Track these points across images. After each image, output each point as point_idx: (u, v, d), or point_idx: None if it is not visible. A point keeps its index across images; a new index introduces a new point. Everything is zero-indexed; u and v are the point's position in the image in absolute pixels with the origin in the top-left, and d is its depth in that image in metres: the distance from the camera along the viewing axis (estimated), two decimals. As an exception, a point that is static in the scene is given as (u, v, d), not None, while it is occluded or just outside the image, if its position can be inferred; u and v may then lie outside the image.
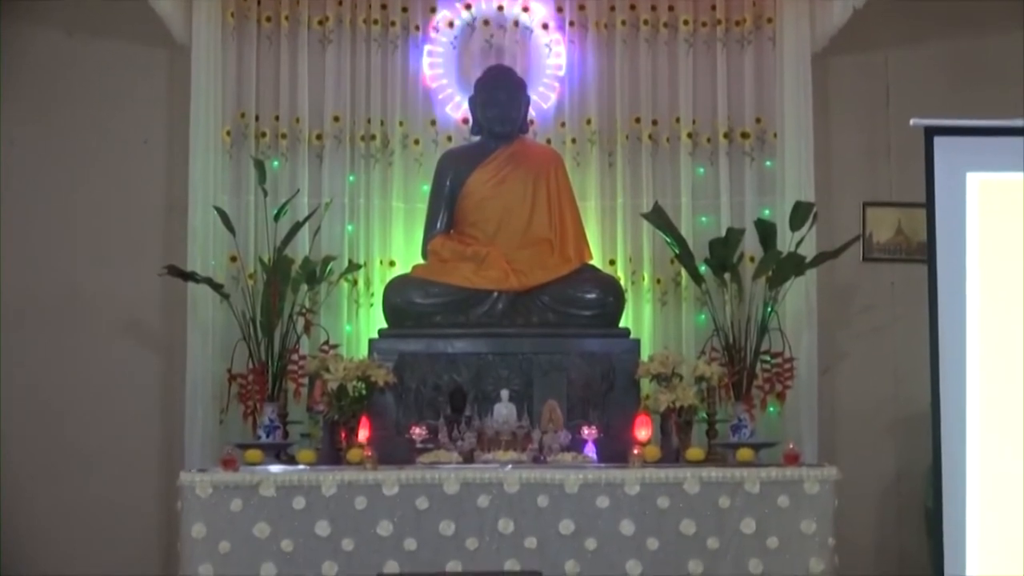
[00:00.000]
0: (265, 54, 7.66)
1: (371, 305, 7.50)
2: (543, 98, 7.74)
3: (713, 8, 7.75)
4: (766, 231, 7.23)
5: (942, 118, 5.32)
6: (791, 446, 6.31)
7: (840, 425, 7.63)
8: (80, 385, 7.46)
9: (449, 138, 7.72)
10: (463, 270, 7.07)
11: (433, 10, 7.78)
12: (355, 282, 7.52)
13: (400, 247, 7.61)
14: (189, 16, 7.42)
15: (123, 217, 7.60)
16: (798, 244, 7.10)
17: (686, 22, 7.72)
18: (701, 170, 7.70)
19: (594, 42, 7.77)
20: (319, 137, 7.60)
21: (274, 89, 7.64)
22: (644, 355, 7.03)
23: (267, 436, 6.80)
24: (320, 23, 7.66)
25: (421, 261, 7.33)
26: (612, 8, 7.76)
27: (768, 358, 7.17)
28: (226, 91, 7.52)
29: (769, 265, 7.09)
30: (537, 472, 6.05)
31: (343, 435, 6.55)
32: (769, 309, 7.15)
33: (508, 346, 6.85)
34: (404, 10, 7.75)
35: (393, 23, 7.72)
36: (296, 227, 7.20)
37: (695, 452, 6.46)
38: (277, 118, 7.60)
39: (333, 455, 6.50)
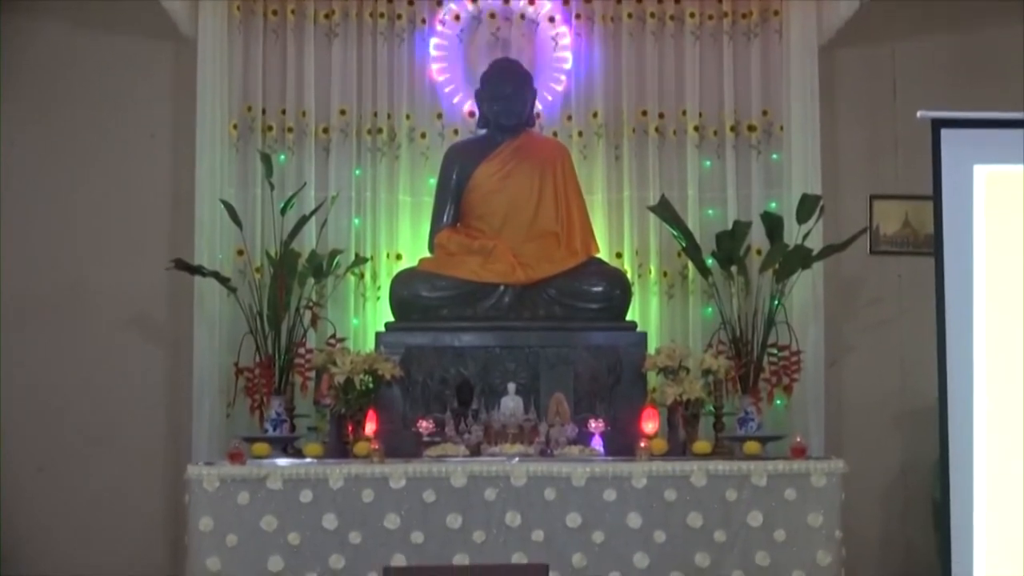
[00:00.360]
0: (271, 48, 7.66)
1: (378, 298, 7.50)
2: (549, 91, 7.74)
3: (720, 1, 7.73)
4: (773, 224, 7.22)
5: (949, 111, 5.31)
6: (798, 439, 6.33)
7: (847, 418, 7.63)
8: (87, 379, 7.47)
9: (455, 131, 7.71)
10: (470, 263, 7.08)
11: (439, 3, 7.78)
12: (362, 275, 7.52)
13: (407, 240, 7.61)
14: (195, 10, 7.42)
15: (130, 211, 7.61)
16: (805, 237, 7.10)
17: (692, 15, 7.71)
18: (708, 163, 7.70)
19: (600, 35, 7.76)
20: (326, 131, 7.60)
21: (280, 83, 7.64)
22: (651, 348, 7.03)
23: (274, 429, 6.81)
24: (326, 16, 7.66)
25: (428, 254, 7.33)
26: (619, 1, 7.74)
27: (775, 351, 7.17)
28: (232, 85, 7.53)
29: (776, 258, 7.08)
30: (544, 465, 6.06)
31: (350, 428, 6.55)
32: (776, 302, 7.15)
33: (515, 339, 6.85)
34: (410, 3, 7.74)
35: (399, 16, 7.72)
36: (303, 220, 7.21)
37: (702, 445, 6.46)
38: (284, 112, 7.61)
39: (340, 448, 6.51)
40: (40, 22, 7.59)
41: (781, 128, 7.64)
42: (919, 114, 5.25)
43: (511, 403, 6.46)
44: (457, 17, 7.78)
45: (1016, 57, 7.49)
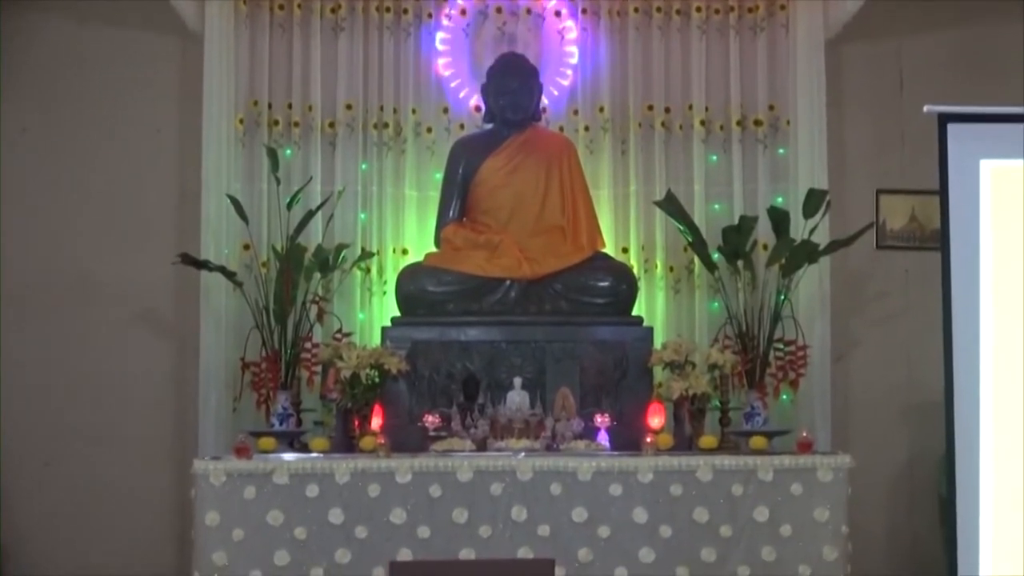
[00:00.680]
0: (277, 42, 7.65)
1: (384, 293, 7.50)
2: (556, 86, 7.73)
3: (726, -5, 7.75)
4: (779, 218, 7.22)
5: (956, 105, 5.30)
6: (804, 434, 6.32)
7: (853, 413, 7.63)
8: (93, 374, 7.48)
9: (462, 126, 7.71)
10: (476, 258, 7.07)
11: (445, -3, 7.79)
12: (368, 270, 7.52)
13: (413, 235, 7.61)
14: (201, 5, 7.42)
15: (136, 206, 7.62)
16: (811, 232, 7.10)
17: (699, 9, 7.70)
18: (714, 157, 7.68)
19: (607, 29, 7.75)
20: (332, 125, 7.60)
21: (287, 77, 7.63)
22: (657, 343, 7.03)
23: (280, 424, 6.81)
24: (332, 11, 7.65)
25: (434, 249, 7.33)
26: (625, -5, 7.77)
27: (781, 346, 7.16)
28: (239, 80, 7.53)
29: (782, 253, 7.08)
30: (550, 460, 6.06)
31: (356, 423, 6.56)
32: (782, 297, 7.15)
33: (521, 334, 6.85)
34: (416, -2, 7.76)
35: (406, 11, 7.71)
36: (309, 215, 7.21)
37: (708, 440, 6.46)
38: (290, 106, 7.60)
39: (346, 443, 6.51)
40: (46, 17, 7.59)
41: (788, 123, 7.63)
42: (926, 109, 5.25)
43: (517, 398, 6.47)
44: (463, 11, 7.77)
45: (1023, 52, 7.48)
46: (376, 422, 6.30)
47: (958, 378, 5.11)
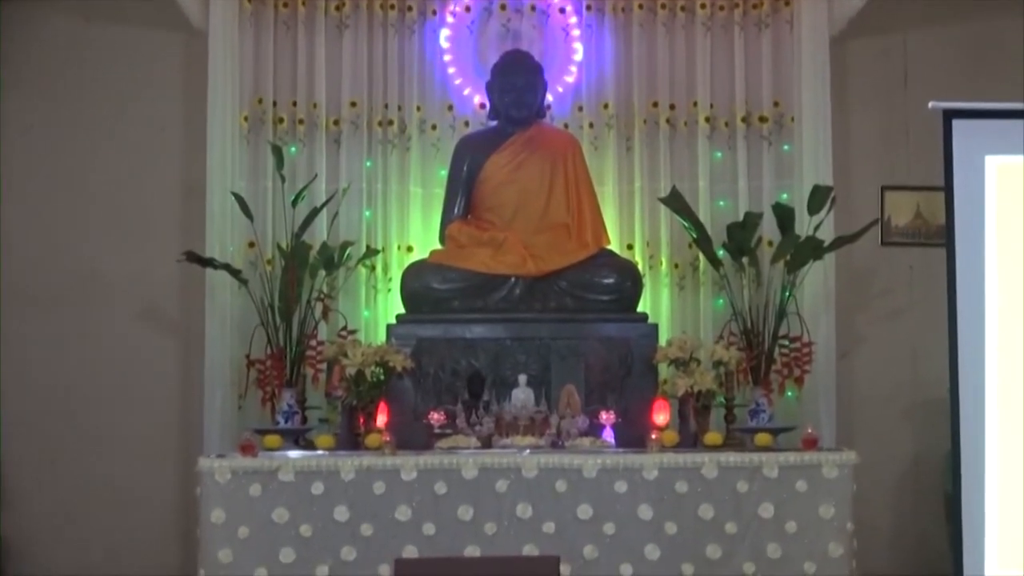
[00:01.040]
0: (282, 39, 7.66)
1: (389, 290, 7.50)
2: (560, 83, 7.72)
3: (731, -9, 7.74)
4: (784, 215, 7.21)
5: (960, 101, 5.29)
6: (809, 430, 6.31)
7: (858, 409, 7.63)
8: (98, 371, 7.49)
9: (466, 123, 7.71)
10: (480, 255, 7.07)
11: (450, -6, 7.79)
12: (373, 267, 7.53)
13: (418, 232, 7.61)
14: (205, 1, 7.42)
15: (141, 203, 7.63)
16: (816, 228, 7.09)
17: (703, 6, 7.69)
18: (719, 154, 7.68)
19: (611, 26, 7.75)
20: (336, 122, 7.60)
21: (291, 74, 7.64)
22: (662, 340, 7.03)
23: (285, 421, 6.82)
24: (337, 8, 7.66)
25: (439, 246, 7.33)
26: (629, -9, 7.76)
27: (786, 342, 7.16)
28: (243, 77, 7.54)
29: (787, 249, 7.08)
30: (555, 457, 6.05)
31: (361, 420, 6.56)
32: (787, 293, 7.14)
33: (526, 331, 6.85)
34: (421, -6, 7.76)
35: (410, 8, 7.71)
36: (314, 213, 7.22)
37: (713, 437, 6.45)
38: (294, 103, 7.61)
39: (351, 440, 6.52)
40: (49, 15, 7.60)
41: (792, 119, 7.62)
42: (930, 105, 5.24)
43: (522, 395, 6.46)
44: (467, 8, 7.77)
45: (1028, 47, 7.49)
46: (381, 419, 6.30)
47: (963, 374, 5.09)
